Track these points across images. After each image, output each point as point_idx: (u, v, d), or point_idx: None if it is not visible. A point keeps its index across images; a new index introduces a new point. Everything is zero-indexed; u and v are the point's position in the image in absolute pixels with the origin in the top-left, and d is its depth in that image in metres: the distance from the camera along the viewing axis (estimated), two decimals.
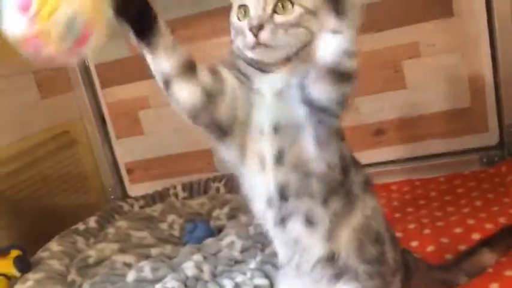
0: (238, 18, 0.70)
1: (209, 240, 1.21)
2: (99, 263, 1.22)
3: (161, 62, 0.70)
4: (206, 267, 1.09)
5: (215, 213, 1.39)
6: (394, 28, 1.47)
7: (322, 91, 0.66)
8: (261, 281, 0.95)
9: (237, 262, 1.11)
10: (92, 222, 1.46)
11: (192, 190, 1.60)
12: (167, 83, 0.72)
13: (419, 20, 1.45)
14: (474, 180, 1.38)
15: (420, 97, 1.50)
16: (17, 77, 1.49)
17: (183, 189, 1.61)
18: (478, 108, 1.49)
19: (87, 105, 1.76)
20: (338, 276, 0.76)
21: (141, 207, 1.57)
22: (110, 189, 1.83)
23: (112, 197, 1.83)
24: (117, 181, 1.84)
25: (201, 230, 1.27)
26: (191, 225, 1.30)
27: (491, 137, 1.50)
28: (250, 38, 0.67)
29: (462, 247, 1.05)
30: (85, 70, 1.75)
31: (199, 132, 1.76)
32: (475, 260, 0.94)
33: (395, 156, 1.54)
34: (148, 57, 0.71)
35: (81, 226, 1.43)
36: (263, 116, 0.72)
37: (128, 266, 1.19)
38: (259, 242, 1.14)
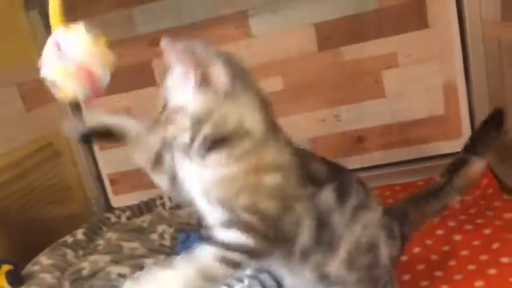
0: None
1: None
2: (93, 275, 1.22)
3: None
4: None
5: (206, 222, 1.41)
6: (374, 39, 1.54)
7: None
8: None
9: None
10: (79, 234, 1.46)
11: None
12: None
13: (397, 31, 1.52)
14: None
15: (398, 105, 1.57)
16: (1, 90, 1.47)
17: (170, 199, 1.63)
18: (451, 115, 1.57)
19: (69, 117, 1.75)
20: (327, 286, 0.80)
21: (128, 218, 1.57)
22: (93, 200, 1.82)
23: (95, 208, 1.82)
24: (101, 192, 1.84)
25: (193, 239, 1.29)
26: (183, 235, 1.32)
27: (463, 143, 1.58)
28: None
29: (445, 248, 1.12)
30: None
31: None
32: (466, 172, 0.92)
33: (376, 162, 1.61)
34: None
35: (69, 239, 1.43)
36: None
37: (123, 277, 1.20)
38: None
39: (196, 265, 0.70)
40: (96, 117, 0.82)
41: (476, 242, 1.11)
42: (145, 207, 1.61)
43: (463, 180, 0.91)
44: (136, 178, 1.77)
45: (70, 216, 1.74)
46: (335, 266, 0.79)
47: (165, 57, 0.72)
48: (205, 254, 0.71)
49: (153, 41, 1.66)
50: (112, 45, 1.70)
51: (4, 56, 1.51)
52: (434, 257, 1.09)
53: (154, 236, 1.40)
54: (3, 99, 1.49)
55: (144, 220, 1.49)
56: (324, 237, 0.78)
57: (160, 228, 1.42)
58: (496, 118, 0.97)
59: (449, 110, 1.56)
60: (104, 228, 1.51)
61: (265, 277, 1.01)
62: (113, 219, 1.56)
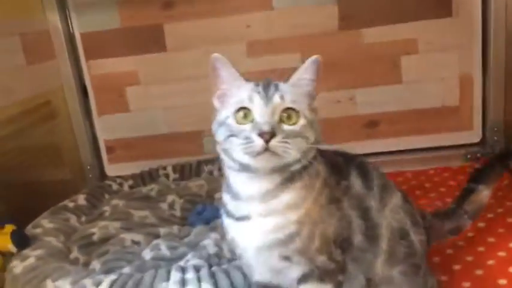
0: (236, 121, 0.67)
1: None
2: (104, 240, 1.15)
3: None
4: (225, 246, 1.07)
5: (218, 195, 1.36)
6: (395, 23, 1.52)
7: None
8: None
9: None
10: (81, 200, 1.38)
11: (183, 172, 1.56)
12: None
13: (419, 17, 1.51)
14: (462, 174, 1.46)
15: (414, 93, 1.56)
16: (2, 39, 1.36)
17: (174, 170, 1.57)
18: (465, 107, 1.58)
19: (69, 76, 1.65)
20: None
21: (131, 187, 1.50)
22: (88, 167, 1.72)
23: (90, 175, 1.73)
24: (96, 159, 1.74)
25: (209, 211, 1.24)
26: (201, 206, 1.26)
27: (475, 135, 1.60)
28: (259, 143, 0.63)
29: (470, 234, 1.12)
30: (69, 37, 1.63)
31: (188, 113, 1.73)
32: (475, 198, 0.97)
33: (388, 147, 1.60)
34: None
35: (69, 203, 1.35)
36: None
37: (137, 244, 1.14)
38: None
39: None
40: None
41: (501, 230, 1.11)
42: (149, 176, 1.53)
43: (472, 206, 0.96)
44: (136, 147, 1.72)
45: (62, 182, 1.64)
46: (381, 263, 0.77)
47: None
48: None
49: (166, 4, 1.59)
50: (123, 4, 1.63)
51: (7, 4, 1.39)
52: (460, 243, 1.09)
53: (164, 206, 1.33)
54: (4, 48, 1.38)
55: (151, 189, 1.42)
56: (369, 229, 0.75)
57: (170, 198, 1.36)
58: (505, 157, 1.05)
59: (463, 102, 1.57)
60: (106, 195, 1.43)
61: None
62: (114, 186, 1.48)
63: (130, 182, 1.51)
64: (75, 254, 1.12)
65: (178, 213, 1.32)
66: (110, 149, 1.74)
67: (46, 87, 1.55)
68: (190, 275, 0.91)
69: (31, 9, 1.55)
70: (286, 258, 0.70)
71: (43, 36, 1.56)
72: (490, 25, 1.48)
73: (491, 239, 1.09)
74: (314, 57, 0.69)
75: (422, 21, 1.52)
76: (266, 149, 0.63)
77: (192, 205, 1.33)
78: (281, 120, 0.66)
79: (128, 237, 1.15)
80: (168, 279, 0.91)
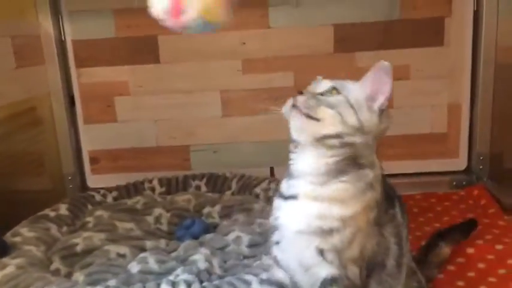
0: None
1: (211, 236, 1.15)
2: (88, 252, 1.10)
3: None
4: (215, 262, 1.04)
5: (206, 210, 1.33)
6: (388, 49, 1.54)
7: None
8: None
9: (245, 257, 1.07)
10: (63, 209, 1.32)
11: (170, 186, 1.52)
12: None
13: (413, 45, 1.54)
14: (448, 200, 1.48)
15: (404, 118, 1.58)
16: None
17: (160, 184, 1.52)
18: (452, 134, 1.61)
19: (57, 83, 1.61)
20: None
21: (115, 198, 1.45)
22: (69, 177, 1.67)
23: (71, 186, 1.67)
24: (78, 170, 1.69)
25: (198, 226, 1.21)
26: (189, 220, 1.23)
27: (460, 163, 1.62)
28: (289, 101, 0.70)
29: (460, 259, 1.12)
30: (60, 44, 1.60)
31: (176, 127, 1.71)
32: (437, 252, 1.07)
33: None
34: None
35: (50, 212, 1.29)
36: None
37: (122, 257, 1.10)
38: (267, 239, 1.11)
39: None
40: None
41: (490, 257, 1.12)
42: (134, 189, 1.49)
43: (435, 259, 1.06)
44: (121, 158, 1.69)
45: (41, 191, 1.59)
46: None
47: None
48: None
49: None
50: (118, 13, 1.62)
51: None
52: (451, 267, 1.09)
53: (150, 219, 1.30)
54: None
55: (136, 201, 1.38)
56: (400, 257, 0.76)
57: (156, 211, 1.32)
58: (468, 227, 1.18)
59: (451, 130, 1.60)
60: (89, 206, 1.38)
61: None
62: (98, 197, 1.43)
63: (115, 193, 1.47)
64: (56, 264, 1.07)
65: (165, 227, 1.28)
66: (93, 160, 1.70)
67: (33, 92, 1.51)
68: None
69: (24, 12, 1.52)
70: (321, 252, 0.68)
71: (34, 40, 1.53)
72: (480, 57, 1.52)
73: (481, 265, 1.09)
74: (381, 63, 0.72)
75: (415, 48, 1.55)
76: (294, 105, 0.69)
77: (180, 219, 1.29)
78: (322, 95, 0.70)
79: (113, 249, 1.10)
80: None
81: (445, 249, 1.09)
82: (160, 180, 1.54)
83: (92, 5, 1.58)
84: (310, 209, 0.68)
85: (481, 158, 1.58)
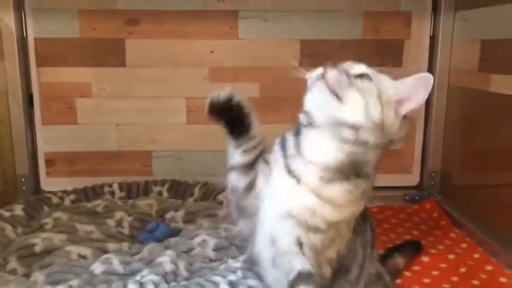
0: None
1: (175, 239, 1.14)
2: (47, 252, 1.06)
3: (236, 155, 0.76)
4: (181, 264, 1.03)
5: (169, 215, 1.32)
6: None
7: None
8: (254, 282, 0.92)
9: (212, 260, 1.07)
10: (17, 210, 1.28)
11: (130, 191, 1.50)
12: (231, 169, 0.77)
13: (373, 64, 1.60)
14: (403, 213, 1.54)
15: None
16: None
17: (120, 188, 1.50)
18: (407, 152, 1.69)
19: (15, 80, 1.55)
20: None
21: (73, 201, 1.41)
22: (23, 179, 1.60)
23: (24, 188, 1.60)
24: (32, 172, 1.63)
25: (162, 229, 1.20)
26: (153, 223, 1.21)
27: (413, 179, 1.71)
28: (319, 70, 0.69)
29: (415, 267, 1.18)
30: (22, 41, 1.55)
31: (139, 132, 1.70)
32: (391, 262, 1.12)
33: None
34: (229, 146, 0.77)
35: (5, 212, 1.25)
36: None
37: (84, 258, 1.06)
38: (234, 243, 1.12)
39: None
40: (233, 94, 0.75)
41: (443, 265, 1.18)
42: (92, 192, 1.46)
43: (390, 268, 1.08)
44: (79, 162, 1.64)
45: None
46: None
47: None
48: None
49: (132, 20, 1.57)
50: (84, 14, 1.60)
51: None
52: (407, 274, 1.14)
53: (111, 222, 1.27)
54: None
55: (96, 204, 1.34)
56: (362, 268, 0.78)
57: (118, 215, 1.29)
58: (415, 247, 1.24)
59: (406, 147, 1.68)
60: (45, 208, 1.34)
61: (259, 269, 0.96)
62: (55, 200, 1.39)
63: (73, 196, 1.43)
64: (13, 264, 1.03)
65: (126, 231, 1.26)
66: (49, 162, 1.64)
67: None
68: None
69: None
70: (300, 244, 0.68)
71: None
72: (435, 79, 1.61)
73: (435, 272, 1.15)
74: (427, 74, 0.70)
75: (377, 67, 1.62)
76: (322, 77, 0.67)
77: (142, 224, 1.27)
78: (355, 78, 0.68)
79: (74, 250, 1.07)
80: None
81: (399, 260, 1.15)
82: (120, 185, 1.51)
83: (57, 4, 1.55)
84: (307, 201, 0.68)
85: (433, 174, 1.67)
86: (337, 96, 0.65)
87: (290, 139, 0.73)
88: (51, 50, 1.57)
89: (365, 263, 0.78)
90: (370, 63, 1.66)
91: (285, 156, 0.71)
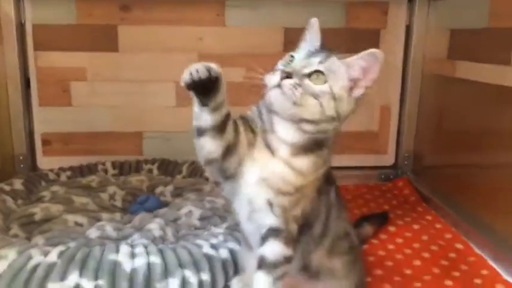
0: (282, 63, 0.80)
1: (164, 210, 1.25)
2: (46, 220, 1.16)
3: (204, 116, 0.75)
4: (169, 231, 1.14)
5: (159, 190, 1.43)
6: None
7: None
8: (233, 245, 1.04)
9: (197, 229, 1.18)
10: (17, 184, 1.38)
11: (122, 168, 1.60)
12: (200, 133, 0.77)
13: (354, 51, 1.70)
14: (378, 190, 1.66)
15: None
16: None
17: (113, 166, 1.60)
18: (383, 133, 1.80)
19: (13, 64, 1.64)
20: (315, 276, 0.90)
21: (69, 177, 1.51)
22: (21, 157, 1.70)
23: (22, 166, 1.70)
24: (29, 151, 1.72)
25: (152, 201, 1.30)
26: (144, 196, 1.32)
27: (388, 159, 1.82)
28: (276, 77, 0.75)
29: (382, 236, 1.29)
30: (20, 26, 1.63)
31: (131, 114, 1.78)
32: (361, 230, 1.24)
33: None
34: (196, 109, 0.76)
35: (5, 186, 1.35)
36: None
37: (80, 225, 1.17)
38: (217, 214, 1.22)
39: None
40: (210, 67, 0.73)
41: (408, 234, 1.30)
42: (87, 169, 1.56)
43: (359, 235, 1.19)
44: (74, 142, 1.73)
45: None
46: (319, 256, 0.89)
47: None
48: (261, 284, 0.81)
49: (124, 7, 1.66)
50: (81, 1, 1.67)
51: None
52: (374, 241, 1.26)
53: (105, 196, 1.37)
54: None
55: (91, 180, 1.44)
56: (324, 228, 0.88)
57: (111, 189, 1.39)
58: (383, 217, 1.38)
59: (382, 129, 1.79)
60: (43, 183, 1.44)
61: (238, 235, 1.07)
62: (51, 176, 1.49)
63: (68, 173, 1.53)
64: (15, 231, 1.13)
65: (119, 203, 1.36)
66: (45, 142, 1.73)
67: None
68: (139, 249, 0.97)
69: None
70: (271, 205, 0.79)
71: None
72: (409, 66, 1.72)
73: (399, 240, 1.27)
74: (375, 50, 0.77)
75: (355, 54, 1.72)
76: (278, 85, 0.73)
77: (133, 197, 1.38)
78: (309, 77, 0.75)
79: (71, 218, 1.18)
80: (117, 252, 0.96)
81: (368, 228, 1.28)
82: (113, 163, 1.61)
83: None
84: (280, 170, 0.78)
85: (406, 155, 1.78)
86: (294, 102, 0.74)
87: (264, 112, 0.81)
88: (48, 36, 1.65)
89: (329, 222, 0.88)
90: (351, 50, 1.78)
91: (264, 130, 0.81)
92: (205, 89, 0.72)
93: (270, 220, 0.80)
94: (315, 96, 0.74)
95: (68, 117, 1.72)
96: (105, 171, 1.58)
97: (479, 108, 1.37)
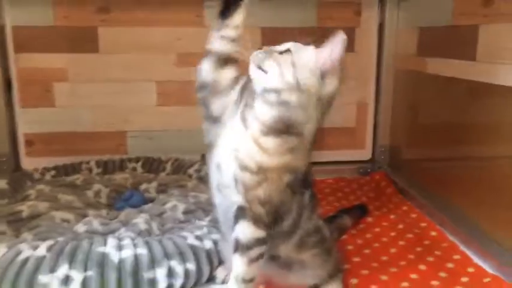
0: None
1: (149, 205, 1.29)
2: (33, 217, 1.19)
3: (215, 40, 0.88)
4: (154, 225, 1.17)
5: (143, 186, 1.46)
6: None
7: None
8: (217, 236, 1.07)
9: (181, 222, 1.21)
10: (2, 184, 1.39)
11: (106, 167, 1.62)
12: (206, 54, 0.89)
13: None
14: (356, 184, 1.72)
15: None
16: None
17: (97, 165, 1.62)
18: (360, 129, 1.87)
19: None
20: (286, 266, 0.95)
21: (53, 176, 1.53)
22: (4, 158, 1.71)
23: (5, 167, 1.71)
24: (12, 151, 1.73)
25: (137, 198, 1.33)
26: (128, 192, 1.35)
27: (366, 153, 1.89)
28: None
29: (361, 225, 1.35)
30: (0, 28, 1.65)
31: (113, 114, 1.81)
32: (340, 222, 1.29)
33: None
34: (214, 34, 0.88)
35: None
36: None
37: (67, 222, 1.19)
38: (201, 208, 1.26)
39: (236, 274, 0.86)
40: None
41: (384, 223, 1.36)
42: (71, 168, 1.58)
43: (339, 226, 1.27)
44: (57, 142, 1.75)
45: None
46: (287, 249, 0.93)
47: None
48: (238, 265, 0.86)
49: (102, 9, 1.68)
50: (57, 4, 1.70)
51: None
52: (353, 231, 1.32)
53: (90, 193, 1.40)
54: None
55: (76, 178, 1.47)
56: (293, 225, 0.92)
57: (96, 186, 1.42)
58: (362, 209, 1.44)
59: (359, 125, 1.86)
60: (28, 182, 1.45)
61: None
62: (36, 175, 1.51)
63: (53, 172, 1.55)
64: (2, 228, 1.15)
65: (104, 200, 1.39)
66: (28, 142, 1.75)
67: None
68: (126, 241, 1.01)
69: None
70: (236, 180, 0.83)
71: None
72: (383, 63, 1.79)
73: (376, 229, 1.33)
74: (339, 31, 0.80)
75: None
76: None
77: (118, 194, 1.41)
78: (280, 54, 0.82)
79: (58, 215, 1.20)
80: (105, 244, 0.99)
81: (347, 220, 1.32)
82: (97, 162, 1.63)
83: None
84: (247, 144, 0.82)
85: (382, 149, 1.85)
86: (261, 69, 0.80)
87: (250, 89, 0.86)
88: (28, 38, 1.67)
89: (300, 219, 0.92)
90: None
91: (245, 104, 0.85)
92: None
93: (235, 197, 0.84)
94: (277, 62, 0.80)
95: (51, 118, 1.74)
96: (90, 170, 1.60)
97: (450, 102, 1.44)
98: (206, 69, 0.88)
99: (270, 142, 0.81)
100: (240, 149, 0.83)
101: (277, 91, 0.79)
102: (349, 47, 1.75)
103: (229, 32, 0.87)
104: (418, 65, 1.57)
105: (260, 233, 0.85)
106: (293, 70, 0.79)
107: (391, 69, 1.79)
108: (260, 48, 0.84)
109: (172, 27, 1.71)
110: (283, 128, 0.81)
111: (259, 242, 0.85)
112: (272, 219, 0.86)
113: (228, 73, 0.87)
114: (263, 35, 1.75)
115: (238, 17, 0.87)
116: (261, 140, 0.82)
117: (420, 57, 1.56)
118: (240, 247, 0.85)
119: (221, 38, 0.87)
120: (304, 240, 0.94)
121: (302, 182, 0.89)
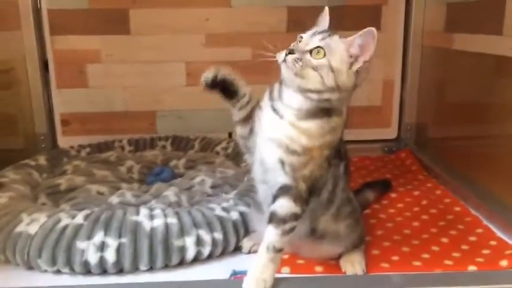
0: (293, 43, 0.89)
1: (178, 180, 1.34)
2: (70, 190, 1.26)
3: (235, 112, 0.96)
4: (184, 197, 1.23)
5: (172, 163, 1.52)
6: (336, 31, 1.77)
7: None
8: (244, 208, 1.12)
9: (209, 195, 1.27)
10: (41, 160, 1.47)
11: (138, 145, 1.69)
12: (236, 123, 0.97)
13: (354, 28, 1.77)
14: (380, 162, 1.74)
15: None
16: None
17: (129, 143, 1.69)
18: (386, 107, 1.87)
19: (32, 48, 1.73)
20: (320, 238, 0.99)
21: (88, 153, 1.61)
22: (42, 137, 1.80)
23: (43, 145, 1.80)
24: (50, 131, 1.82)
25: (167, 173, 1.39)
26: (159, 168, 1.41)
27: (392, 132, 1.89)
28: (283, 54, 0.86)
29: (384, 201, 1.37)
30: (36, 11, 1.72)
31: (144, 94, 1.87)
32: (363, 196, 1.33)
33: None
34: (230, 107, 0.96)
35: (31, 162, 1.44)
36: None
37: (102, 194, 1.26)
38: (228, 182, 1.31)
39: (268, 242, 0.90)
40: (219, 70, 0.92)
41: (408, 199, 1.38)
42: (105, 146, 1.65)
43: (361, 200, 1.27)
44: (91, 121, 1.83)
45: (15, 150, 1.70)
46: (326, 220, 0.98)
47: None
48: (271, 235, 0.89)
49: None
50: None
51: None
52: (376, 206, 1.34)
53: (123, 169, 1.46)
54: None
55: (109, 155, 1.54)
56: (330, 195, 0.96)
57: (128, 163, 1.49)
58: (386, 184, 1.46)
59: (384, 103, 1.86)
60: (65, 159, 1.53)
61: (247, 200, 1.15)
62: (73, 152, 1.59)
63: (88, 149, 1.62)
64: (42, 200, 1.23)
65: (136, 176, 1.46)
66: (64, 122, 1.83)
67: (8, 55, 1.63)
68: (157, 211, 1.06)
69: None
70: (282, 163, 0.88)
71: (12, 6, 1.64)
72: (410, 40, 1.78)
73: (400, 205, 1.35)
74: (370, 28, 0.84)
75: (353, 31, 1.78)
76: (284, 60, 0.84)
77: (149, 170, 1.47)
78: (311, 53, 0.84)
79: (94, 188, 1.27)
80: (137, 214, 1.05)
81: (369, 193, 1.35)
82: (129, 141, 1.70)
83: None
84: (287, 130, 0.87)
85: (409, 127, 1.85)
86: (297, 74, 0.84)
87: (276, 87, 0.91)
88: (63, 20, 1.74)
89: (335, 191, 0.97)
90: (353, 27, 1.84)
91: (271, 99, 0.90)
92: (222, 89, 0.93)
93: (281, 178, 0.89)
94: (314, 68, 0.83)
95: (85, 98, 1.81)
96: (122, 148, 1.67)
97: (477, 79, 1.43)
98: (238, 132, 0.98)
99: (310, 125, 0.86)
100: (279, 136, 0.87)
101: (318, 91, 0.84)
102: (376, 24, 1.80)
103: (242, 101, 0.94)
104: (445, 42, 1.55)
105: (297, 209, 0.89)
106: (333, 76, 0.83)
107: (417, 47, 1.78)
108: (291, 52, 0.85)
109: (200, 8, 1.75)
110: (321, 112, 0.86)
111: (294, 217, 0.90)
112: (309, 195, 0.91)
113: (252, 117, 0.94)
114: (289, 14, 1.77)
115: (241, 89, 0.93)
116: (299, 123, 0.86)
117: (447, 33, 1.54)
118: (275, 219, 0.89)
119: (239, 109, 0.94)
120: (340, 210, 0.99)
121: (337, 154, 0.93)
